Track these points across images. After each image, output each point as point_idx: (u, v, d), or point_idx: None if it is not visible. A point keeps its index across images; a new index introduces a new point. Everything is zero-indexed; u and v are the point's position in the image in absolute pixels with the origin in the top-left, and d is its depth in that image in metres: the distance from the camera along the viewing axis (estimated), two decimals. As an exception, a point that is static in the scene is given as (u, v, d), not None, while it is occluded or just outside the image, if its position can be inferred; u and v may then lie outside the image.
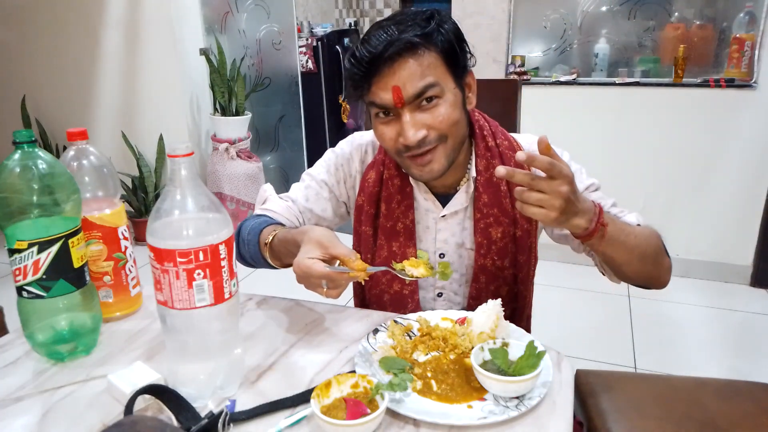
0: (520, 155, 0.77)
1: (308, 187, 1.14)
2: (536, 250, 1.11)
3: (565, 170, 0.77)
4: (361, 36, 0.95)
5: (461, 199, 1.07)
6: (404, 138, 0.94)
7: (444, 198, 1.08)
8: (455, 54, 0.95)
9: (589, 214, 0.83)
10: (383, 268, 0.91)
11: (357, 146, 1.15)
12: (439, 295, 1.14)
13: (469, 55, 0.99)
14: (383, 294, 1.11)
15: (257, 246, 1.01)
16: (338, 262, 0.85)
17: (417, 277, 0.90)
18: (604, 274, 1.06)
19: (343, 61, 3.88)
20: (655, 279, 1.01)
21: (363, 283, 1.14)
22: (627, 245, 0.90)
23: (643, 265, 0.96)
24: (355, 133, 1.17)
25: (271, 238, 0.98)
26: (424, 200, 1.09)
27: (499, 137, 1.08)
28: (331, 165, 1.14)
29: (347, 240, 1.16)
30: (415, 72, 0.91)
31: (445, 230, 1.09)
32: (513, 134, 1.11)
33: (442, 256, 1.11)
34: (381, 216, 1.10)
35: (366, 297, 1.17)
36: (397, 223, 1.09)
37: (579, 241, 0.97)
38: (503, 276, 1.09)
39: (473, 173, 1.06)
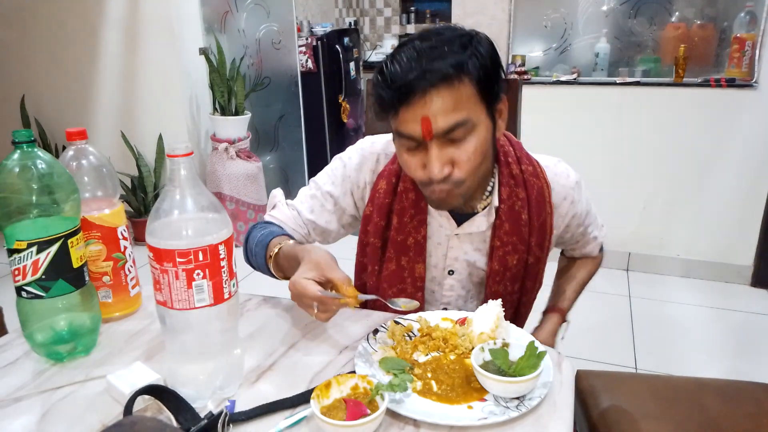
0: None
1: (313, 197, 1.11)
2: (542, 276, 1.11)
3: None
4: (393, 51, 0.89)
5: (480, 222, 1.04)
6: (430, 172, 0.89)
7: (459, 216, 1.04)
8: (490, 82, 0.88)
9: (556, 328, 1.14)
10: (374, 297, 0.91)
11: (368, 155, 1.09)
12: (444, 309, 1.12)
13: (503, 82, 0.93)
14: (387, 307, 1.10)
15: (263, 258, 1.00)
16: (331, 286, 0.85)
17: (406, 311, 0.90)
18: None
19: (342, 61, 3.90)
20: None
21: (366, 293, 1.14)
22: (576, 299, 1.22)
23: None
24: (365, 140, 1.12)
25: (276, 251, 0.97)
26: (438, 215, 1.05)
27: (524, 162, 1.04)
28: (338, 176, 1.10)
29: (355, 241, 1.15)
30: (448, 106, 0.85)
31: (457, 248, 1.06)
32: (536, 156, 1.07)
33: (451, 273, 1.09)
34: (392, 229, 1.06)
35: (369, 306, 1.15)
36: (408, 238, 1.05)
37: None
38: (511, 300, 1.08)
39: (495, 202, 1.02)
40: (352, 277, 1.15)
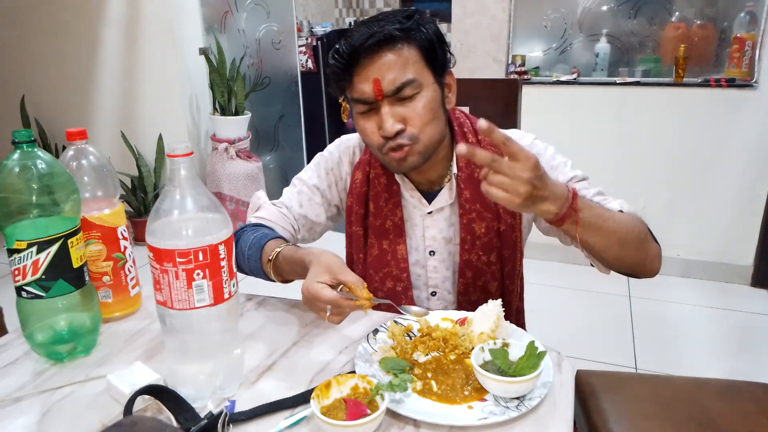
0: (481, 122, 0.76)
1: (300, 193, 1.15)
2: (521, 244, 1.11)
3: (526, 152, 0.76)
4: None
5: (445, 195, 1.09)
6: (383, 129, 0.95)
7: (430, 195, 1.09)
8: (435, 51, 0.97)
9: (560, 200, 0.81)
10: (387, 302, 0.91)
11: (345, 149, 1.16)
12: (433, 294, 1.14)
13: (449, 54, 1.01)
14: (376, 292, 1.12)
15: (259, 262, 1.00)
16: (341, 287, 0.85)
17: (418, 315, 0.90)
18: (593, 265, 1.02)
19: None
20: (641, 266, 0.97)
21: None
22: (604, 230, 0.88)
23: (625, 251, 0.92)
24: (342, 136, 1.18)
25: (274, 255, 0.97)
26: (410, 197, 1.10)
27: (479, 133, 1.06)
28: (321, 169, 1.16)
29: (341, 239, 1.17)
30: (395, 66, 0.93)
31: (432, 227, 1.10)
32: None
33: (432, 253, 1.11)
34: (370, 215, 1.11)
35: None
36: (386, 221, 1.10)
37: (559, 230, 0.90)
38: (491, 271, 1.09)
39: (455, 170, 1.07)
40: None
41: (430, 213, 1.09)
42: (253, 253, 1.01)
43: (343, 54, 0.95)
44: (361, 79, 0.95)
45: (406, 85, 0.94)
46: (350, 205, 1.13)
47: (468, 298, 1.10)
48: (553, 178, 0.86)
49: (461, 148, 0.75)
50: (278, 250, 0.97)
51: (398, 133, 0.96)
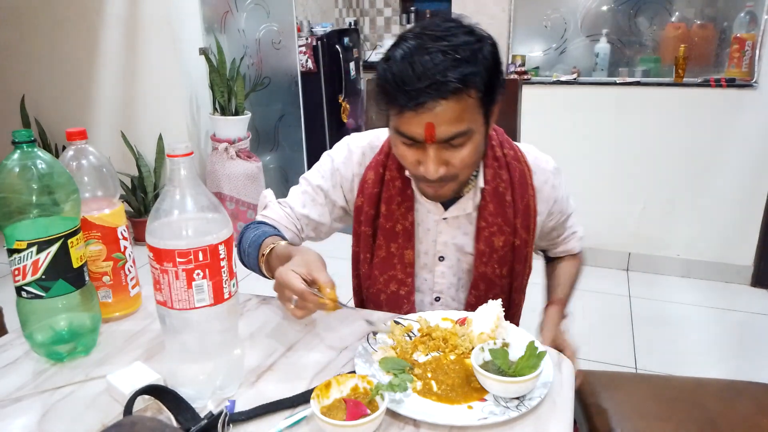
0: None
1: (304, 193, 1.14)
2: (531, 260, 1.13)
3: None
4: (402, 44, 0.90)
5: (466, 205, 1.07)
6: (425, 171, 0.92)
7: (447, 201, 1.07)
8: (493, 90, 0.92)
9: (559, 319, 1.07)
10: (352, 307, 0.91)
11: (354, 149, 1.14)
12: (437, 299, 1.14)
13: (501, 86, 0.95)
14: (380, 293, 1.12)
15: (256, 258, 1.01)
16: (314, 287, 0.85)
17: (383, 330, 0.91)
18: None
19: (342, 61, 3.90)
20: None
21: (360, 283, 1.16)
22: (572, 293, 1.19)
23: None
24: (350, 136, 1.16)
25: (267, 251, 0.97)
26: (425, 201, 1.08)
27: (506, 147, 1.08)
28: (327, 170, 1.13)
29: (348, 240, 1.17)
30: (453, 117, 0.88)
31: (445, 233, 1.09)
32: (515, 143, 1.11)
33: (441, 258, 1.11)
34: (381, 217, 1.10)
35: (363, 295, 1.17)
36: (396, 225, 1.09)
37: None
38: (501, 285, 1.10)
39: (481, 183, 1.06)
40: (349, 268, 1.19)
41: (444, 219, 1.09)
42: (251, 250, 1.02)
43: (401, 87, 0.87)
44: (414, 118, 0.88)
45: (459, 136, 0.90)
46: (360, 205, 1.11)
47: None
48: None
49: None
50: (272, 246, 0.97)
51: (441, 177, 0.93)
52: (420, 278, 1.13)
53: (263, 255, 0.98)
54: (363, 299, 1.18)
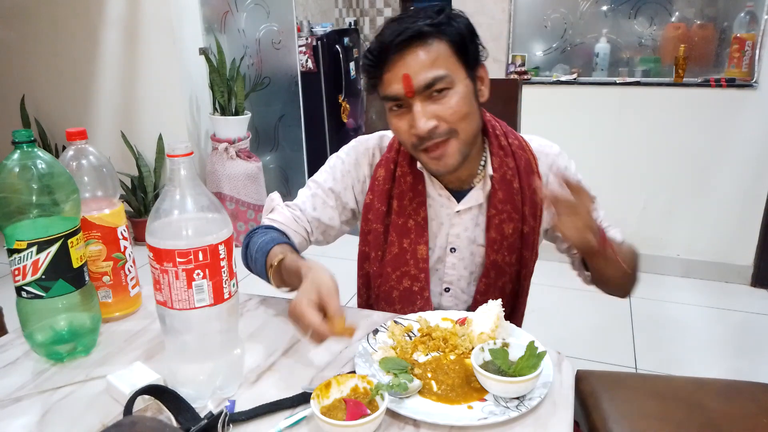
0: (558, 175, 0.86)
1: (315, 196, 1.13)
2: (538, 246, 1.13)
3: (586, 191, 0.86)
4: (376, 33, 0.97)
5: (477, 195, 1.08)
6: (415, 128, 0.94)
7: (458, 193, 1.08)
8: (466, 45, 0.95)
9: (597, 234, 0.90)
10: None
11: (363, 150, 1.14)
12: (447, 290, 1.14)
13: (480, 48, 0.99)
14: (392, 290, 1.11)
15: (264, 267, 1.00)
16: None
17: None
18: (578, 276, 1.14)
19: (342, 61, 3.90)
20: (624, 292, 1.13)
21: (367, 282, 1.15)
22: (619, 265, 0.98)
23: (623, 281, 1.06)
24: (358, 138, 1.16)
25: (276, 262, 0.96)
26: (438, 196, 1.09)
27: (510, 137, 1.10)
28: (338, 172, 1.13)
29: (352, 241, 1.16)
30: (425, 62, 0.92)
31: (458, 225, 1.10)
32: (519, 134, 1.13)
33: (453, 250, 1.11)
34: (393, 213, 1.09)
35: (373, 295, 1.16)
36: (409, 220, 1.09)
37: (567, 245, 1.11)
38: (510, 272, 1.10)
39: (490, 171, 1.07)
40: (354, 268, 1.18)
41: (458, 212, 1.09)
42: (259, 256, 1.01)
43: (374, 51, 0.95)
44: (392, 76, 0.94)
45: (437, 81, 0.92)
46: (370, 201, 1.11)
47: (485, 299, 1.08)
48: None
49: (543, 190, 0.87)
50: (280, 257, 0.96)
51: (432, 131, 0.95)
52: (431, 270, 1.12)
53: (272, 265, 0.97)
54: (370, 298, 1.17)
